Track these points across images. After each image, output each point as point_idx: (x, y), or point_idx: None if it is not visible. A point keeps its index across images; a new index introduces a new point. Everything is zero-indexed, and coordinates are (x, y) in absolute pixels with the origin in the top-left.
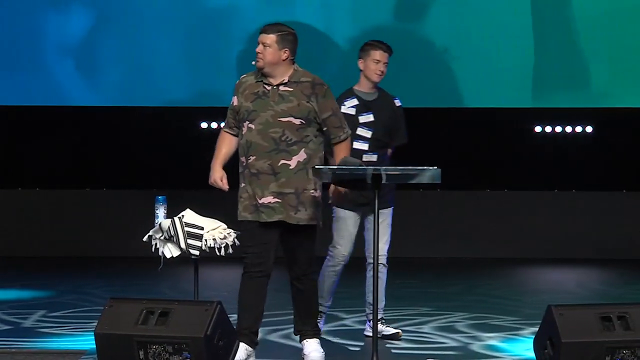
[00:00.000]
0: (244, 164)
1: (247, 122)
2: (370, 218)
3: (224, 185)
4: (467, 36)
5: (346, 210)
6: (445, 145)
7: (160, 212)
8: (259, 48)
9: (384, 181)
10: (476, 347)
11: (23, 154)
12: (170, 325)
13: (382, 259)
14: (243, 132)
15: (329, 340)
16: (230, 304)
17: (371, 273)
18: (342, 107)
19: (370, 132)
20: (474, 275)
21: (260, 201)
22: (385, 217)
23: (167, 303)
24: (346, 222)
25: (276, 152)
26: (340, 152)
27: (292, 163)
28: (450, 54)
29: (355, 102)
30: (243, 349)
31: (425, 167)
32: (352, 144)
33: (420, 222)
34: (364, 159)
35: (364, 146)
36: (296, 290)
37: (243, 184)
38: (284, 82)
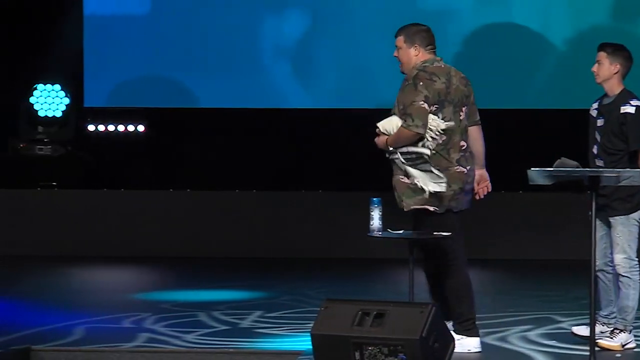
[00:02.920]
0: None
1: None
2: (599, 224)
3: None
4: None
5: None
6: None
7: (376, 213)
8: (395, 52)
9: (602, 184)
10: None
11: (239, 156)
12: (386, 327)
13: (618, 269)
14: None
15: (545, 343)
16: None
17: (604, 281)
18: (590, 109)
19: (599, 137)
20: None
21: None
22: (616, 225)
23: (383, 304)
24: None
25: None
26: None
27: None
28: None
29: (596, 105)
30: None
31: None
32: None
33: None
34: (596, 164)
35: (595, 150)
36: None
37: None
38: None
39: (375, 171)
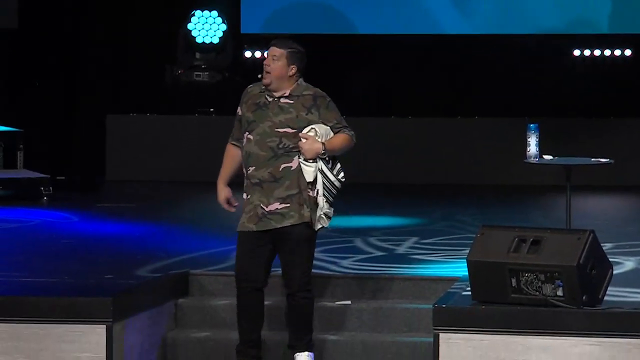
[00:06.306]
0: (246, 175)
1: (247, 133)
2: None
3: (230, 208)
4: None
5: None
6: None
7: (532, 140)
8: (268, 60)
9: None
10: None
11: (391, 83)
12: (542, 254)
13: None
14: (244, 143)
15: None
16: (603, 233)
17: None
18: None
19: None
20: None
21: (267, 209)
22: None
23: (539, 231)
24: None
25: (275, 158)
26: (337, 136)
27: (294, 164)
28: None
29: None
30: None
31: None
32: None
33: None
34: None
35: None
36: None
37: (247, 196)
38: (285, 95)
39: (531, 97)
